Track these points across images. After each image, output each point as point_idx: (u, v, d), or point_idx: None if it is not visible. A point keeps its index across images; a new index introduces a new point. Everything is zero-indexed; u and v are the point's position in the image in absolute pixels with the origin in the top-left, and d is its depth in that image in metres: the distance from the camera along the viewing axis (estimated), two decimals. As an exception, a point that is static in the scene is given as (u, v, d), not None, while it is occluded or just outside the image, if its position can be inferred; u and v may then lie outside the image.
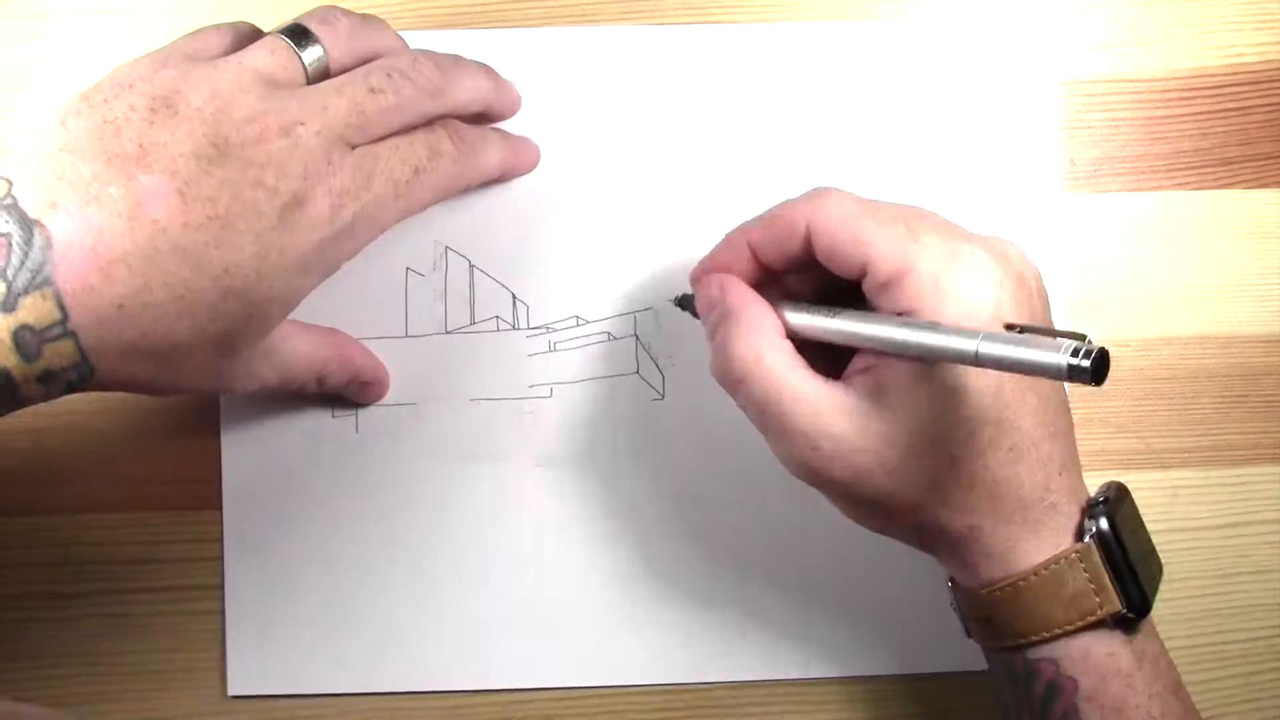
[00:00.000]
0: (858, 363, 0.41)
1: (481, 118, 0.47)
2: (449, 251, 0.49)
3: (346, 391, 0.48)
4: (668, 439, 0.49)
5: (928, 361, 0.38)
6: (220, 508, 0.49)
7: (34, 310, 0.36)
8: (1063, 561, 0.40)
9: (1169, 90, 0.51)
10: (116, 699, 0.49)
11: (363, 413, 0.49)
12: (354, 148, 0.41)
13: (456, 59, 0.45)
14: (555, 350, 0.49)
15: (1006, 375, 0.39)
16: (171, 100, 0.38)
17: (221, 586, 0.49)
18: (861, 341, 0.40)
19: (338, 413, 0.49)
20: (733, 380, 0.41)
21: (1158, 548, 0.43)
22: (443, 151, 0.44)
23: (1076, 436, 0.41)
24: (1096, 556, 0.40)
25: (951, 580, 0.43)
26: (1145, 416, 0.50)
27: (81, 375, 0.38)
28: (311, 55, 0.42)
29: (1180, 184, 0.51)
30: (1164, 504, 0.50)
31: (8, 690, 0.49)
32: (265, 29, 0.43)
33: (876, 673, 0.50)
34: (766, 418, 0.41)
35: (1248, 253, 0.51)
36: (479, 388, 0.49)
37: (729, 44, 0.50)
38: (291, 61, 0.41)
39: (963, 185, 0.50)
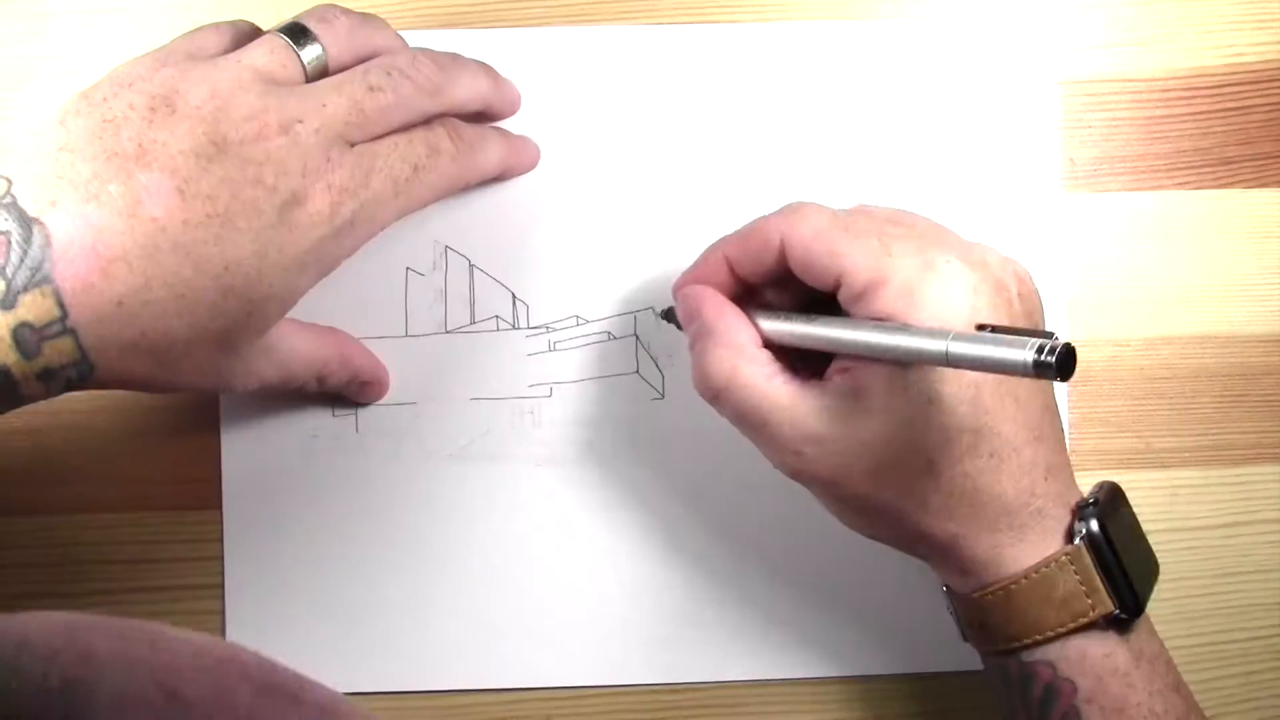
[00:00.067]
0: (837, 364, 0.41)
1: (481, 116, 0.48)
2: (449, 251, 0.49)
3: (346, 391, 0.48)
4: (667, 438, 0.49)
5: (901, 364, 0.39)
6: (220, 508, 0.49)
7: (33, 308, 0.36)
8: (1053, 565, 0.40)
9: (1169, 90, 0.51)
10: (116, 699, 0.49)
11: (363, 412, 0.49)
12: (353, 146, 0.41)
13: (455, 57, 0.45)
14: (555, 350, 0.49)
15: (986, 382, 0.39)
16: (171, 99, 0.39)
17: (221, 586, 0.49)
18: (836, 346, 0.40)
19: (338, 412, 0.49)
20: (711, 394, 0.42)
21: (1158, 547, 0.43)
22: (442, 149, 0.44)
23: (1076, 436, 0.41)
24: (1087, 558, 0.40)
25: (946, 585, 0.43)
26: (1145, 416, 0.50)
27: (81, 373, 0.38)
28: (310, 54, 0.42)
29: (1180, 184, 0.51)
30: (1164, 503, 0.50)
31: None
32: (264, 28, 0.43)
33: (876, 672, 0.50)
34: (747, 428, 0.41)
35: (1248, 252, 0.51)
36: (479, 387, 0.49)
37: (728, 44, 0.50)
38: (290, 60, 0.41)
39: (962, 185, 0.50)
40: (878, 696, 0.50)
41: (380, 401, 0.49)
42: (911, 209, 0.42)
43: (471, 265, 0.49)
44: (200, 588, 0.49)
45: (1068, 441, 0.43)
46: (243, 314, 0.39)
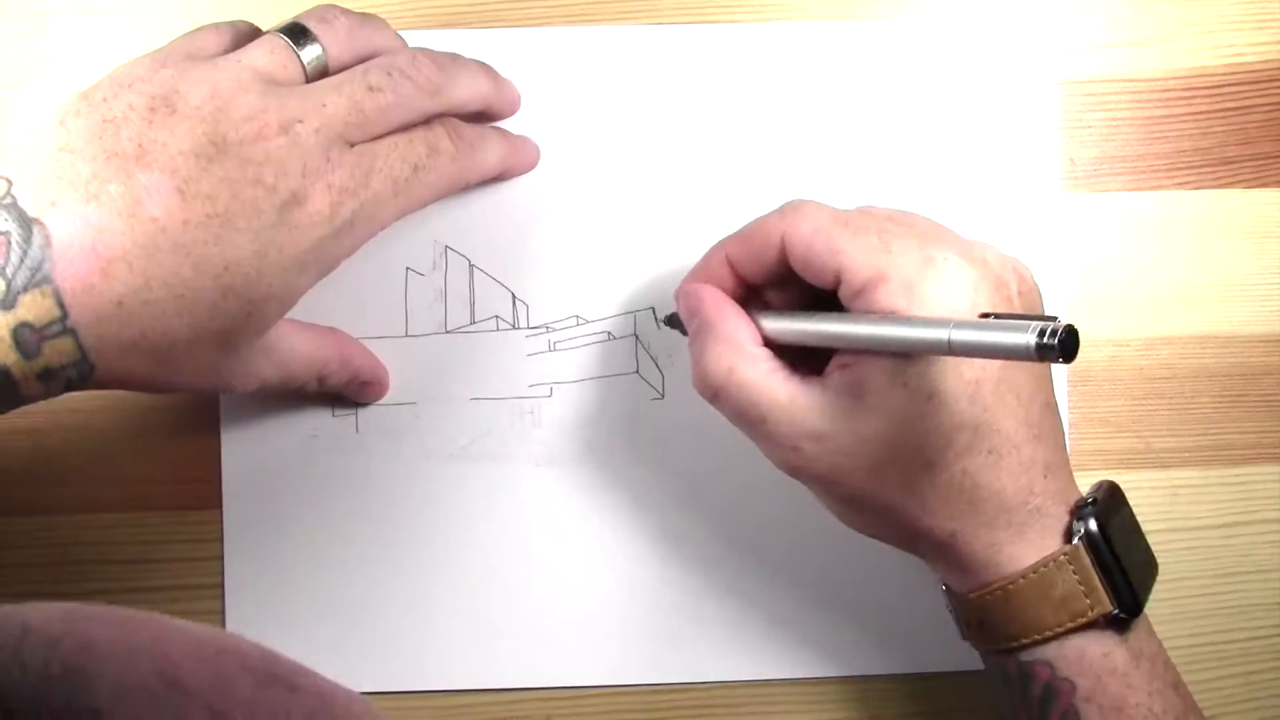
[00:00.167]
0: (837, 361, 0.41)
1: (481, 116, 0.48)
2: (449, 251, 0.49)
3: (346, 391, 0.48)
4: (667, 438, 0.49)
5: (904, 355, 0.38)
6: (220, 507, 0.49)
7: (33, 308, 0.36)
8: (1051, 564, 0.40)
9: (1168, 90, 0.51)
10: (116, 698, 0.49)
11: (363, 412, 0.49)
12: (353, 146, 0.41)
13: (455, 57, 0.45)
14: (555, 350, 0.49)
15: (986, 378, 0.39)
16: (170, 99, 0.39)
17: (221, 586, 0.49)
18: (837, 340, 0.40)
19: (338, 412, 0.49)
20: (710, 391, 0.42)
21: (1157, 547, 0.43)
22: (442, 149, 0.44)
23: (1076, 436, 0.41)
24: (1085, 558, 0.40)
25: (945, 584, 0.43)
26: (1145, 416, 0.50)
27: (81, 373, 0.38)
28: (310, 54, 0.42)
29: (1180, 184, 0.51)
30: (1164, 503, 0.50)
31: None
32: (264, 28, 0.43)
33: (875, 672, 0.50)
34: (746, 424, 0.41)
35: (1248, 252, 0.51)
36: (479, 387, 0.49)
37: (728, 43, 0.50)
38: (290, 60, 0.41)
39: (962, 185, 0.50)
40: (877, 696, 0.50)
41: (380, 401, 0.49)
42: (912, 209, 0.42)
43: (471, 265, 0.49)
44: (200, 588, 0.49)
45: (1068, 441, 0.43)
46: (242, 314, 0.39)
